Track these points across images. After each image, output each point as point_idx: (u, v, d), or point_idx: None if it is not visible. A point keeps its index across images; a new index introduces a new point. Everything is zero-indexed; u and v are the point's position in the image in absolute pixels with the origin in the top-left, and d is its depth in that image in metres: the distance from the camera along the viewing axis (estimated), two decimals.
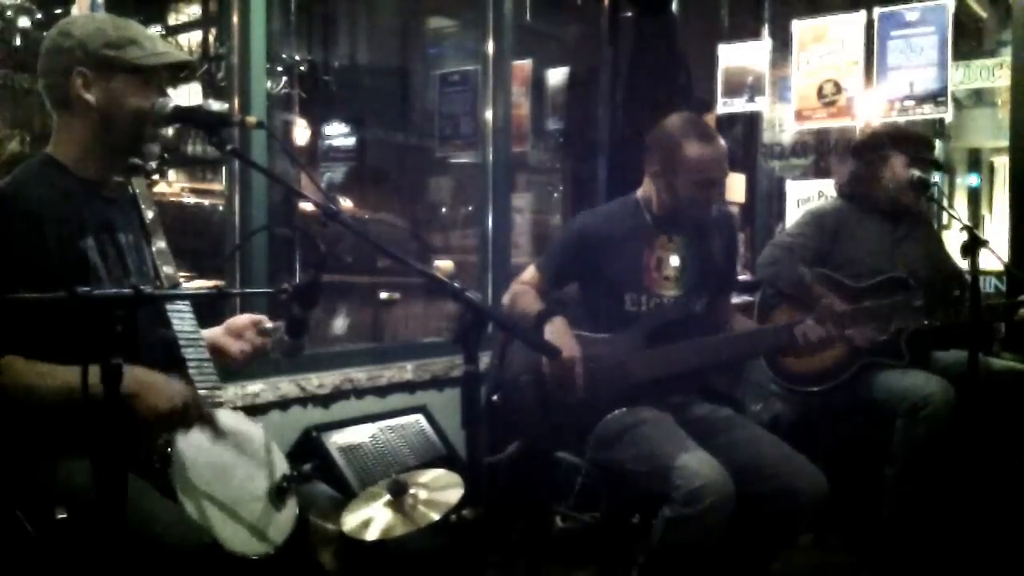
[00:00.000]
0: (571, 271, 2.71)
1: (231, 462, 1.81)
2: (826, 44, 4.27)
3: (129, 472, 1.43)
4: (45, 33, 1.92)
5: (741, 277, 4.80)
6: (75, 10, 2.62)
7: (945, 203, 3.90)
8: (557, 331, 2.47)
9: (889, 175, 3.18)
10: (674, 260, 2.62)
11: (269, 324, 2.05)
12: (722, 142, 2.55)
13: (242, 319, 2.07)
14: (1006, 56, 5.42)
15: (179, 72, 1.93)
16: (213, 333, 2.03)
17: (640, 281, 2.59)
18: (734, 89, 4.63)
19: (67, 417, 1.64)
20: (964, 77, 6.49)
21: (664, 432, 2.39)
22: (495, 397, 2.60)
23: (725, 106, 4.72)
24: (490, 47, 3.92)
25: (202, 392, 1.81)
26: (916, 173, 3.06)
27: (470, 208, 5.86)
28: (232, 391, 2.70)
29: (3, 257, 1.69)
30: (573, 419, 2.50)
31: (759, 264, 3.33)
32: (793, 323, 2.57)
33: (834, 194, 3.52)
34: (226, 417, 1.88)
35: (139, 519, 1.52)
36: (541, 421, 2.56)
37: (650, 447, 2.33)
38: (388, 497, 2.29)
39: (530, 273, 2.74)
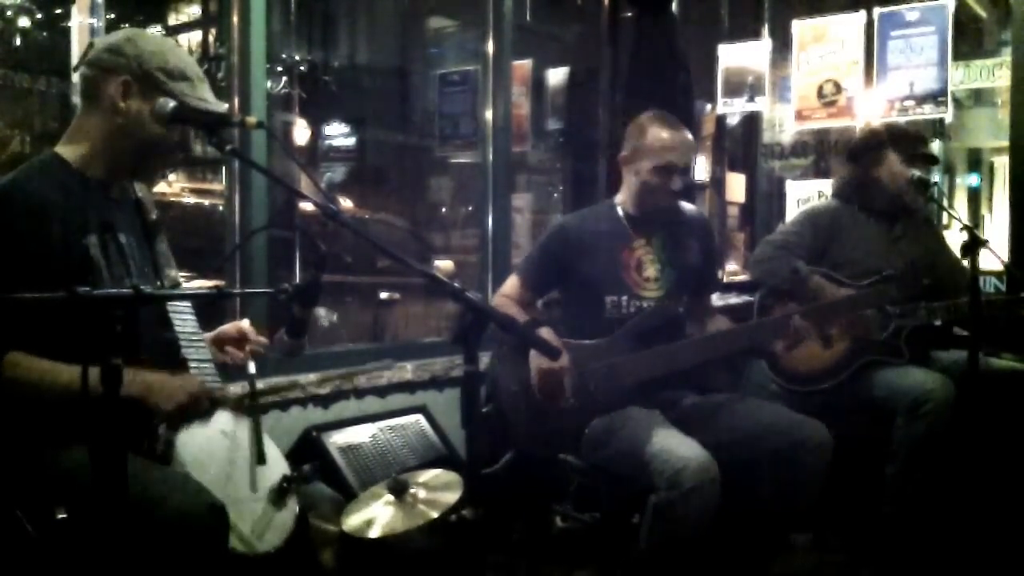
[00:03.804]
0: (552, 274, 2.72)
1: (231, 463, 1.82)
2: (826, 44, 4.27)
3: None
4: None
5: (740, 277, 4.80)
6: (75, 10, 2.62)
7: (945, 203, 3.90)
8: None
9: (887, 175, 3.17)
10: (653, 262, 2.65)
11: (261, 339, 2.05)
12: (689, 135, 2.63)
13: (229, 330, 2.07)
14: (1006, 56, 5.41)
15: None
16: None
17: (621, 282, 2.62)
18: (734, 89, 4.64)
19: (69, 412, 1.65)
20: (964, 77, 6.48)
21: (647, 425, 2.40)
22: (486, 409, 2.61)
23: (725, 106, 4.73)
24: (490, 47, 3.92)
25: None
26: (916, 173, 3.05)
27: (470, 208, 5.86)
28: (232, 391, 2.70)
29: (5, 254, 1.69)
30: (565, 424, 2.52)
31: (752, 262, 3.32)
32: (782, 317, 2.58)
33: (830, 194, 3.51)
34: (225, 418, 1.89)
35: (141, 488, 1.51)
36: (533, 429, 2.56)
37: (633, 442, 2.36)
38: (389, 496, 2.30)
39: (511, 283, 2.76)
